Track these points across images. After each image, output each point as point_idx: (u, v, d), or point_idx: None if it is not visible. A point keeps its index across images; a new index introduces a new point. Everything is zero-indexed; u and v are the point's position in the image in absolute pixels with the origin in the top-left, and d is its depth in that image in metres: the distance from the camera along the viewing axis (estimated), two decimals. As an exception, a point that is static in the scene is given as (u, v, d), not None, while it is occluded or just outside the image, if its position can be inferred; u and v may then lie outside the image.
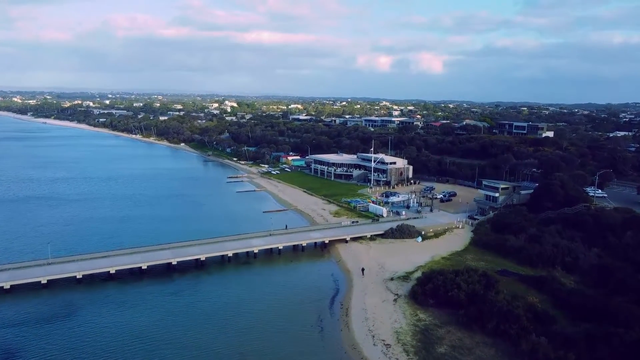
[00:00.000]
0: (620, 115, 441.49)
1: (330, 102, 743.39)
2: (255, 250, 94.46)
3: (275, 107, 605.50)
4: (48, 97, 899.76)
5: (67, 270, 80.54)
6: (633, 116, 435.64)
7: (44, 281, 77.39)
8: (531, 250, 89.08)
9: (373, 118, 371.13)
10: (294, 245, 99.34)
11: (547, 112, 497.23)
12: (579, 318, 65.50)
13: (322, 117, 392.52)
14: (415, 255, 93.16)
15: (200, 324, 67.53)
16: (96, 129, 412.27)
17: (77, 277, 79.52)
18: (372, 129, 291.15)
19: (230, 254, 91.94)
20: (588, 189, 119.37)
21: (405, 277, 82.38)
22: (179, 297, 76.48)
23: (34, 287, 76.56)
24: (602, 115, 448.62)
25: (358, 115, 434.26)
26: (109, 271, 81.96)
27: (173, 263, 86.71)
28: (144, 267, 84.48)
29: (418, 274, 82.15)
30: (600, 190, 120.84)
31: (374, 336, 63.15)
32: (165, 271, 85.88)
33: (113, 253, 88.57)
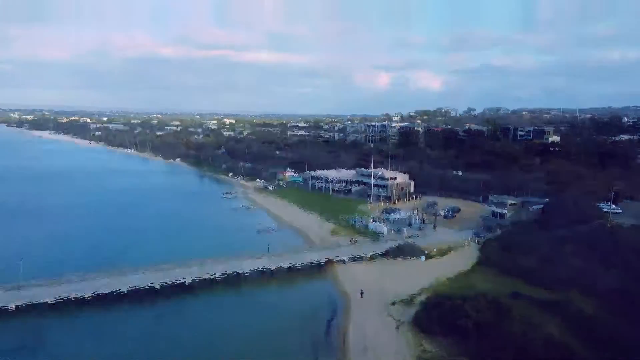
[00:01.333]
0: (624, 120, 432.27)
1: (330, 120, 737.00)
2: (246, 273, 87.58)
3: (275, 123, 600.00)
4: (46, 113, 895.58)
5: (38, 295, 73.51)
6: (636, 119, 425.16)
7: (11, 307, 70.45)
8: (544, 271, 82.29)
9: (372, 123, 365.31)
10: (288, 267, 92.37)
11: (547, 117, 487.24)
12: (601, 349, 58.74)
13: (322, 124, 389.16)
14: (418, 277, 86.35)
15: (183, 355, 60.72)
16: (91, 143, 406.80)
17: (49, 302, 72.52)
18: (372, 134, 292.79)
19: (218, 276, 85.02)
20: (602, 205, 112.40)
21: (409, 301, 75.50)
22: (159, 326, 69.64)
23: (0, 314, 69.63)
24: (605, 119, 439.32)
25: (357, 121, 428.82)
26: (85, 296, 74.99)
27: (156, 287, 79.82)
28: (124, 290, 77.64)
29: (422, 297, 75.44)
30: (614, 206, 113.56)
31: (374, 372, 56.17)
32: (147, 296, 78.82)
33: (90, 275, 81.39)
